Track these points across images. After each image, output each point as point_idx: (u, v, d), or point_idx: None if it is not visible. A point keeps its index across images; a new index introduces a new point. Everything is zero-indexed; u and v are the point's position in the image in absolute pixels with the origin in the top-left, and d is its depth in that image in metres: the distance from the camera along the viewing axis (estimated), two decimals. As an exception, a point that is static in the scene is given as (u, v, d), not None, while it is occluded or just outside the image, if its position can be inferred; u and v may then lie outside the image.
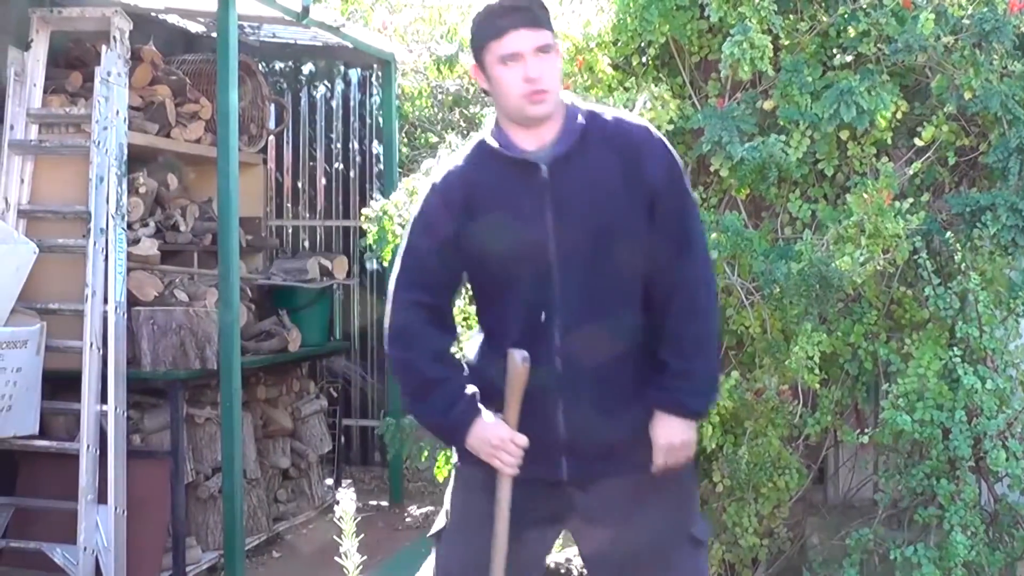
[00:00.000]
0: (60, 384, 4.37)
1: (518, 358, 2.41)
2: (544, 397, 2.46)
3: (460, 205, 2.50)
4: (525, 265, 2.47)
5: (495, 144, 2.49)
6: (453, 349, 2.61)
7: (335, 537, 1.73)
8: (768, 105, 3.60)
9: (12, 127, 4.53)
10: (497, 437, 2.42)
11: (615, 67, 3.92)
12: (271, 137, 6.59)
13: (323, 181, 7.01)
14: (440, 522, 2.65)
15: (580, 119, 2.49)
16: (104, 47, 4.46)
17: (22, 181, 4.54)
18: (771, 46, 3.43)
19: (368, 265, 6.72)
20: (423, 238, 2.55)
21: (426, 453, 4.47)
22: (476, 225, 2.50)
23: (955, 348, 3.27)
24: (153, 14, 5.55)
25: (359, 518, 1.68)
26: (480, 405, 2.45)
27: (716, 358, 2.64)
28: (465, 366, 2.57)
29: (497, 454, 2.42)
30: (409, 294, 2.54)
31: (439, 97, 7.27)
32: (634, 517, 2.51)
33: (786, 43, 3.67)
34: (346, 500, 1.67)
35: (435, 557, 2.64)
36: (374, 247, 4.38)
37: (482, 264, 2.53)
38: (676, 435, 2.46)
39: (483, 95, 7.03)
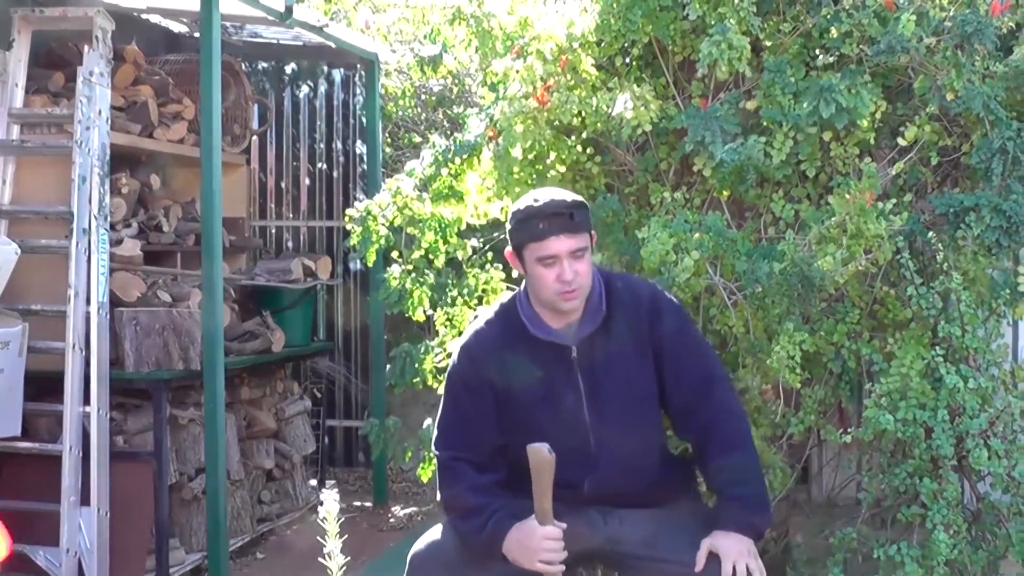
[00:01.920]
0: (43, 385, 4.33)
1: (544, 450, 2.52)
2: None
3: (496, 376, 2.71)
4: (562, 435, 2.64)
5: (527, 324, 2.70)
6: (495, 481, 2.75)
7: (319, 538, 1.72)
8: (751, 105, 3.59)
9: (-6, 127, 4.49)
10: (532, 539, 2.57)
11: (598, 67, 3.92)
12: (254, 137, 6.57)
13: (306, 181, 7.00)
14: None
15: (602, 301, 2.71)
16: (86, 47, 4.43)
17: (4, 182, 4.51)
18: (749, 47, 3.42)
19: (352, 266, 6.74)
20: (463, 399, 2.76)
21: (410, 453, 4.46)
22: (512, 398, 2.71)
23: (937, 347, 3.26)
24: (135, 14, 5.52)
25: (343, 519, 1.67)
26: (512, 518, 2.61)
27: (764, 482, 2.85)
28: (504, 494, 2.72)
29: (539, 557, 2.56)
30: (450, 452, 2.76)
31: (423, 97, 7.29)
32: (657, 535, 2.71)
33: (768, 44, 3.66)
34: (330, 501, 1.66)
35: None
36: (358, 248, 4.37)
37: (517, 430, 2.70)
38: (743, 549, 2.56)
39: (468, 96, 7.05)
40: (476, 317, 2.90)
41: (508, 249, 2.72)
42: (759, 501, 2.70)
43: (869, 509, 3.40)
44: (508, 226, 2.71)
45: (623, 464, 2.71)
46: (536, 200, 2.63)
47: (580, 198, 2.69)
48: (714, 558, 2.55)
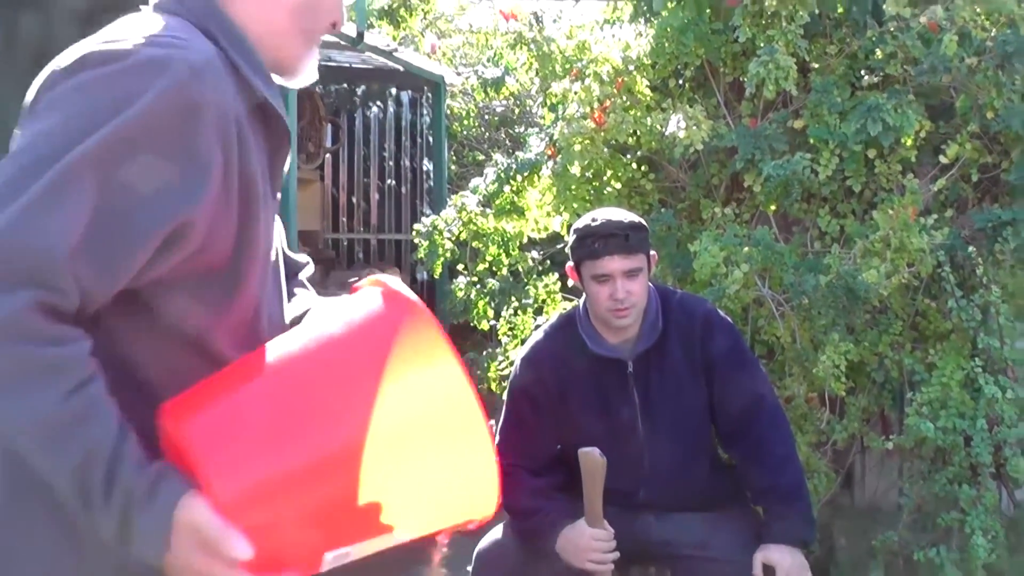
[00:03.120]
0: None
1: (595, 454, 2.52)
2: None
3: (553, 387, 2.72)
4: (616, 447, 2.62)
5: (585, 338, 2.71)
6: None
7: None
8: (799, 124, 3.61)
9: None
10: (581, 540, 2.58)
11: (653, 89, 3.96)
12: (327, 155, 6.66)
13: (376, 197, 7.06)
14: None
15: (659, 318, 2.71)
16: None
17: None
18: (797, 68, 3.44)
19: (419, 276, 6.76)
20: (522, 408, 2.76)
21: None
22: (569, 409, 2.72)
23: (977, 359, 3.25)
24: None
25: None
26: (565, 519, 2.62)
27: (809, 498, 2.81)
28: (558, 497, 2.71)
29: (588, 557, 2.57)
30: (509, 459, 2.70)
31: (486, 117, 7.32)
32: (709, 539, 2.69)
33: (816, 65, 3.69)
34: None
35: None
36: (425, 260, 4.44)
37: (573, 439, 2.68)
38: (796, 562, 2.56)
39: (528, 116, 7.11)
40: (537, 328, 2.92)
41: (569, 263, 2.75)
42: (806, 517, 2.69)
43: (910, 514, 3.39)
44: (569, 241, 2.74)
45: (675, 475, 2.72)
46: (595, 220, 2.65)
47: (639, 219, 2.69)
48: (769, 570, 2.56)
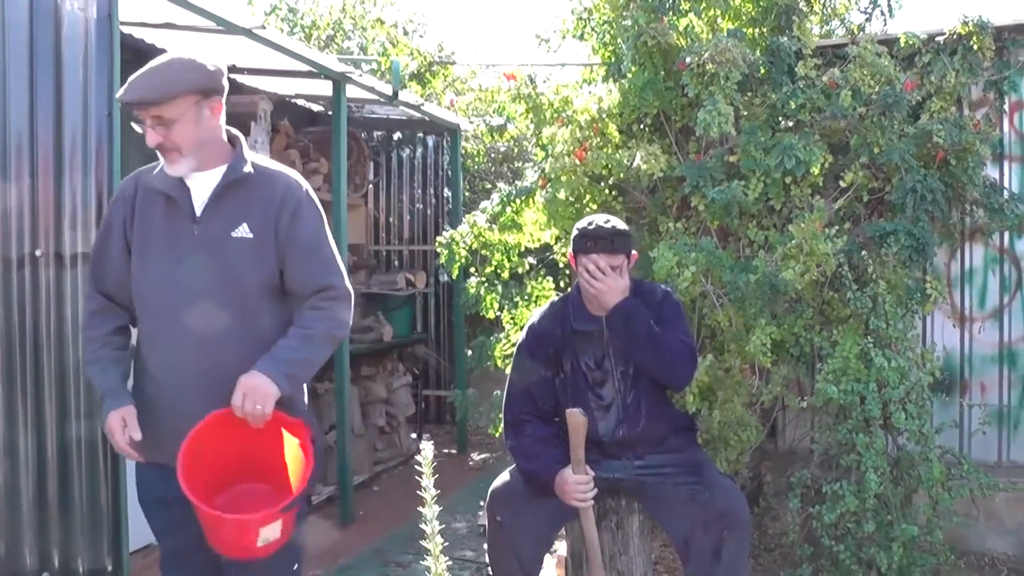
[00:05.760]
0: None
1: (577, 414, 2.50)
2: None
3: (550, 347, 2.70)
4: (597, 394, 2.65)
5: (574, 311, 2.69)
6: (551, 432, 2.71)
7: (417, 477, 1.69)
8: (733, 159, 3.62)
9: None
10: (567, 484, 2.55)
11: (620, 132, 3.95)
12: (370, 186, 6.64)
13: (408, 217, 7.01)
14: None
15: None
16: (252, 123, 4.58)
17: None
18: (733, 114, 3.44)
19: (441, 278, 6.73)
20: (526, 366, 2.72)
21: (481, 414, 4.48)
22: (561, 364, 2.70)
23: (869, 337, 3.28)
24: (287, 99, 5.68)
25: (435, 463, 1.65)
26: (557, 465, 2.59)
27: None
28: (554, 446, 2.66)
29: (572, 496, 2.55)
30: (519, 409, 2.72)
31: (492, 156, 7.29)
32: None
33: (745, 113, 3.69)
34: (427, 449, 1.64)
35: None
36: (445, 265, 4.43)
37: (565, 389, 2.70)
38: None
39: (525, 154, 7.11)
40: (541, 307, 2.89)
41: (570, 251, 2.66)
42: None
43: (819, 456, 3.42)
44: (572, 236, 2.66)
45: (641, 413, 2.66)
46: (591, 224, 2.59)
47: (624, 226, 2.62)
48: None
